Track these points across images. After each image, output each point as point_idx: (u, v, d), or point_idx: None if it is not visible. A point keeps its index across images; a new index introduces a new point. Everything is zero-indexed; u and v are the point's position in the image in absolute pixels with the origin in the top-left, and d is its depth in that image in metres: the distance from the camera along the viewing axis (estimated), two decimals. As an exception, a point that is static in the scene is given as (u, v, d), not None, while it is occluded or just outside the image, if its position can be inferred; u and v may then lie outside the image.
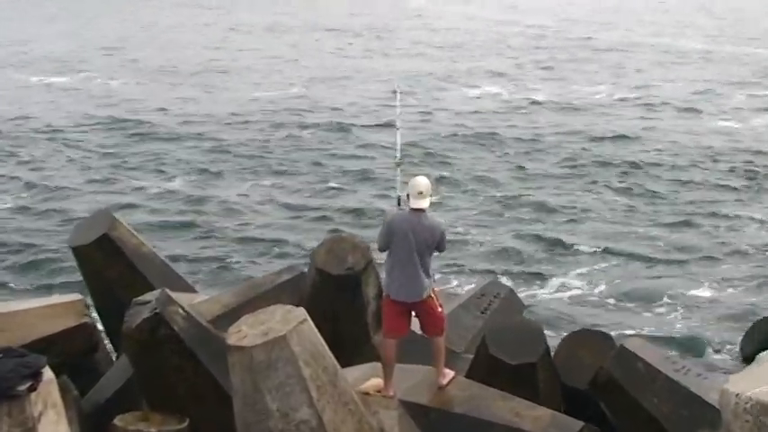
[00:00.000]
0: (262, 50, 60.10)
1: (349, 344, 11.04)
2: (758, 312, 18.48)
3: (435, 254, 9.88)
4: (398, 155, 11.47)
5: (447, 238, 9.95)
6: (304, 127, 36.17)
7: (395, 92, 12.52)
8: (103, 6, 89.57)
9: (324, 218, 25.24)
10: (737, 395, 7.55)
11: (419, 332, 10.21)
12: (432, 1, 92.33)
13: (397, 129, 12.20)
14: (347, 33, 69.46)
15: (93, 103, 42.99)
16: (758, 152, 31.43)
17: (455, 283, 20.14)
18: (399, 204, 10.02)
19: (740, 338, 16.47)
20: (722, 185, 27.87)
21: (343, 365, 9.24)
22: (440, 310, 9.89)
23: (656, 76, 48.54)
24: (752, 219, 24.57)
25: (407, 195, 9.69)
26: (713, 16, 75.50)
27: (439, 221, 9.89)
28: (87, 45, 62.64)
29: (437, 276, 19.50)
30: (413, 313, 9.92)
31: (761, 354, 8.85)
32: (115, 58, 57.08)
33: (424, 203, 9.58)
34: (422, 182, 9.66)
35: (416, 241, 9.50)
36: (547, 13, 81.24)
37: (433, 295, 9.79)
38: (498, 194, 27.22)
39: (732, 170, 29.44)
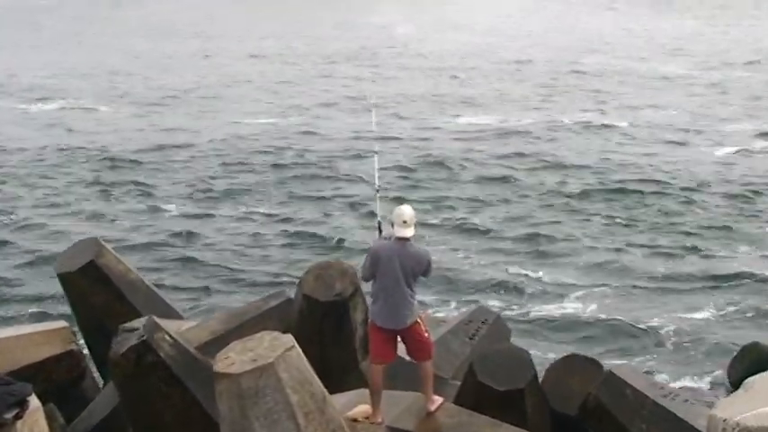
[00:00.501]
0: (246, 78, 60.13)
1: (337, 370, 11.03)
2: (744, 338, 18.52)
3: (421, 279, 9.87)
4: (377, 182, 11.48)
5: (433, 264, 9.94)
6: (289, 155, 36.13)
7: (370, 109, 12.56)
8: (92, 37, 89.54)
9: (310, 244, 25.23)
10: (725, 420, 7.56)
11: (407, 358, 10.20)
12: (418, 28, 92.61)
13: (376, 153, 12.22)
14: (333, 60, 69.60)
15: (81, 131, 42.92)
16: (747, 180, 31.35)
17: (442, 308, 20.13)
18: (380, 228, 10.03)
19: (727, 364, 16.48)
20: (711, 212, 27.86)
21: (331, 392, 9.21)
22: (426, 335, 9.88)
23: (641, 102, 48.63)
24: (740, 247, 24.56)
25: (392, 225, 9.70)
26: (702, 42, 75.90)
27: (425, 250, 9.91)
28: (72, 72, 62.64)
29: (424, 300, 19.63)
30: (398, 339, 9.91)
31: (748, 379, 8.84)
32: (100, 86, 57.07)
33: (409, 232, 9.60)
34: (406, 211, 9.68)
35: (402, 269, 9.51)
36: (534, 39, 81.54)
37: (419, 321, 9.78)
38: (485, 221, 27.22)
39: (723, 197, 29.36)
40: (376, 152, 12.76)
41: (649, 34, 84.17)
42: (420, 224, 11.05)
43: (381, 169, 13.09)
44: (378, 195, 10.89)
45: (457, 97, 51.28)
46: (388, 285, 9.53)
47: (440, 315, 18.34)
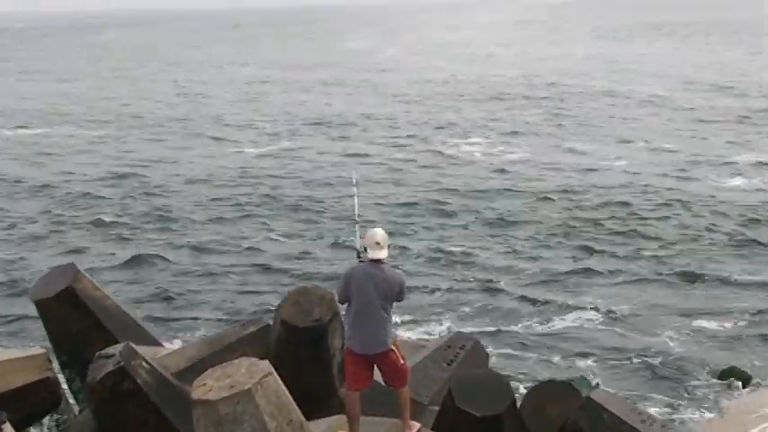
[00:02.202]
0: (231, 104, 60.24)
1: (315, 396, 10.98)
2: (722, 363, 18.66)
3: (395, 304, 9.88)
4: (357, 211, 11.50)
5: (409, 289, 9.95)
6: (269, 183, 36.19)
7: (354, 183, 12.65)
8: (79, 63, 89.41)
9: (289, 271, 25.20)
10: (702, 446, 7.59)
11: (385, 383, 10.17)
12: (403, 52, 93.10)
13: (355, 194, 12.22)
14: (318, 83, 69.83)
15: (56, 157, 42.88)
16: (745, 209, 31.38)
17: (420, 334, 20.12)
18: (359, 257, 10.05)
19: (705, 388, 16.57)
20: (691, 237, 27.98)
21: (310, 418, 9.18)
22: (402, 361, 9.86)
23: (634, 127, 48.74)
24: (728, 276, 24.60)
25: (365, 248, 9.72)
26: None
27: (398, 273, 9.92)
28: (62, 97, 62.56)
29: (402, 325, 19.61)
30: (374, 366, 9.89)
31: (725, 404, 8.88)
32: (91, 110, 57.05)
33: (382, 254, 9.64)
34: (378, 233, 9.73)
35: (376, 292, 9.52)
36: (514, 65, 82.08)
37: (394, 348, 9.76)
38: (463, 249, 27.27)
39: (707, 224, 29.49)
40: (355, 185, 12.78)
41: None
42: (397, 250, 11.07)
43: (361, 197, 13.13)
44: (358, 226, 10.91)
45: (445, 124, 51.44)
46: (363, 308, 9.53)
47: (418, 340, 18.33)
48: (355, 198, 11.75)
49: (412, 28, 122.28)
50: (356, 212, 11.49)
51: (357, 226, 10.92)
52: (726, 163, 38.86)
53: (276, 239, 28.39)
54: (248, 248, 27.48)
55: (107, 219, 31.02)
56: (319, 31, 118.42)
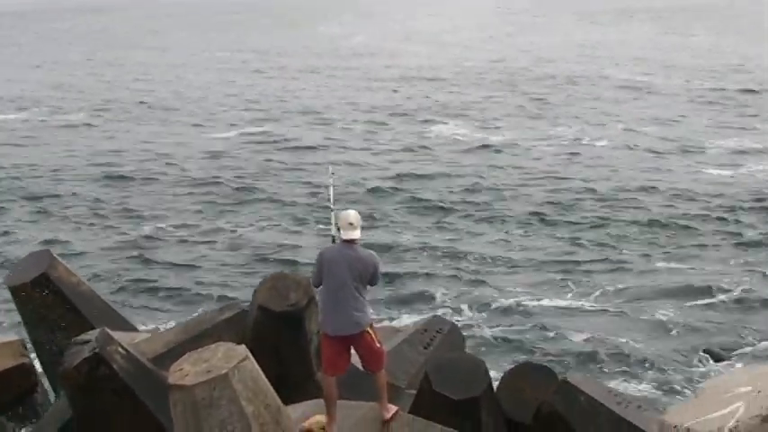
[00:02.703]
0: (205, 89, 59.92)
1: (292, 381, 11.00)
2: (700, 344, 18.81)
3: (369, 288, 9.88)
4: (332, 197, 11.50)
5: (385, 271, 9.95)
6: (245, 169, 36.05)
7: (330, 173, 12.69)
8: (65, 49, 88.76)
9: (265, 257, 25.16)
10: (675, 427, 7.62)
11: (362, 368, 10.20)
12: (372, 38, 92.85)
13: (331, 180, 12.23)
14: (292, 69, 69.56)
15: (35, 143, 42.63)
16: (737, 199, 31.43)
17: (397, 318, 20.15)
18: (334, 241, 10.05)
19: (681, 370, 16.70)
20: (670, 221, 28.10)
21: (287, 402, 9.20)
22: (378, 345, 9.87)
23: (627, 114, 48.66)
24: (705, 261, 24.78)
25: (338, 229, 9.73)
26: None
27: (371, 253, 9.90)
28: (42, 83, 62.10)
29: (379, 309, 19.63)
30: (352, 349, 9.90)
31: (700, 384, 8.96)
32: (64, 96, 56.68)
33: (355, 234, 9.63)
34: (351, 213, 9.73)
35: (350, 273, 9.51)
36: (493, 50, 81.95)
37: (370, 331, 9.76)
38: (442, 233, 27.31)
39: (686, 208, 29.57)
40: (331, 175, 12.79)
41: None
42: (373, 235, 11.05)
43: (339, 183, 13.17)
44: (333, 213, 10.91)
45: (423, 107, 51.35)
46: (336, 288, 9.52)
47: (395, 324, 18.37)
48: (331, 188, 11.76)
49: (386, 14, 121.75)
50: (332, 201, 11.50)
51: (332, 214, 10.92)
52: (706, 147, 38.95)
53: (251, 226, 28.31)
54: (223, 235, 27.38)
55: (81, 206, 30.83)
56: (292, 16, 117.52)
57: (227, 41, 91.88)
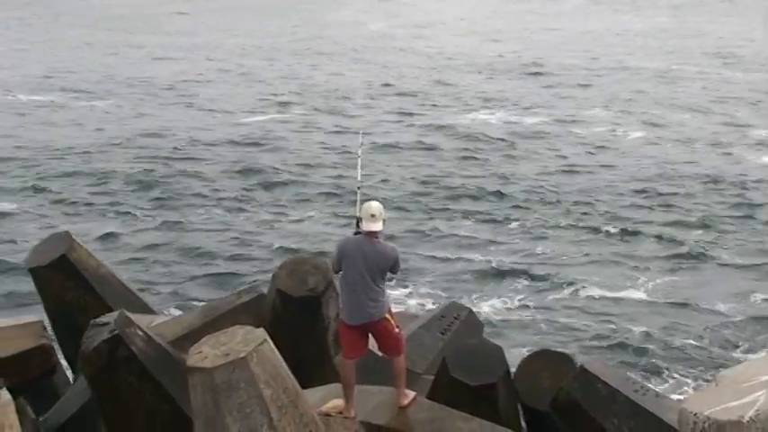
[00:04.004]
0: (230, 72, 59.78)
1: (310, 365, 11.02)
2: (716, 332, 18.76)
3: (389, 275, 9.87)
4: (359, 178, 11.50)
5: (403, 260, 9.92)
6: (267, 154, 36.00)
7: (360, 143, 12.71)
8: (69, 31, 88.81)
9: (284, 240, 25.19)
10: (695, 414, 7.59)
11: (380, 353, 10.20)
12: (389, 25, 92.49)
13: (359, 156, 12.22)
14: (318, 55, 69.42)
15: (55, 124, 42.71)
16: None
17: (415, 304, 20.16)
18: (358, 225, 10.04)
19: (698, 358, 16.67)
20: (686, 211, 28.05)
21: (304, 386, 9.20)
22: (397, 330, 9.87)
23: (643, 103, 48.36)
24: (726, 245, 24.73)
25: (360, 220, 9.72)
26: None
27: (392, 246, 9.90)
28: (51, 68, 62.07)
29: (397, 295, 19.64)
30: (369, 336, 9.90)
31: (720, 373, 8.91)
32: (70, 77, 56.71)
33: (377, 226, 9.62)
34: (374, 205, 9.72)
35: (368, 264, 9.51)
36: (512, 39, 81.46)
37: (388, 316, 9.76)
38: (465, 221, 27.26)
39: (715, 199, 29.53)
40: (360, 145, 12.80)
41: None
42: (396, 222, 11.03)
43: (364, 169, 13.15)
44: (359, 190, 10.89)
45: (445, 93, 51.16)
46: (353, 279, 9.53)
47: (413, 311, 18.39)
48: (359, 161, 11.73)
49: (397, 1, 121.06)
50: (359, 176, 11.49)
51: (359, 191, 10.90)
52: (746, 137, 38.71)
53: (272, 209, 28.34)
54: (244, 219, 27.44)
55: (103, 189, 30.89)
56: (303, 3, 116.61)
57: (248, 25, 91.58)
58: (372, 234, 9.62)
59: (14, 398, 8.54)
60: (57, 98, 50.16)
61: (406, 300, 20.43)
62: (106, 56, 68.21)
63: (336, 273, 9.93)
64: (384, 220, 9.74)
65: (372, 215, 9.60)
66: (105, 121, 43.59)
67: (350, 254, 9.59)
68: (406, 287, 21.21)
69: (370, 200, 9.92)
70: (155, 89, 53.12)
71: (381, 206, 9.79)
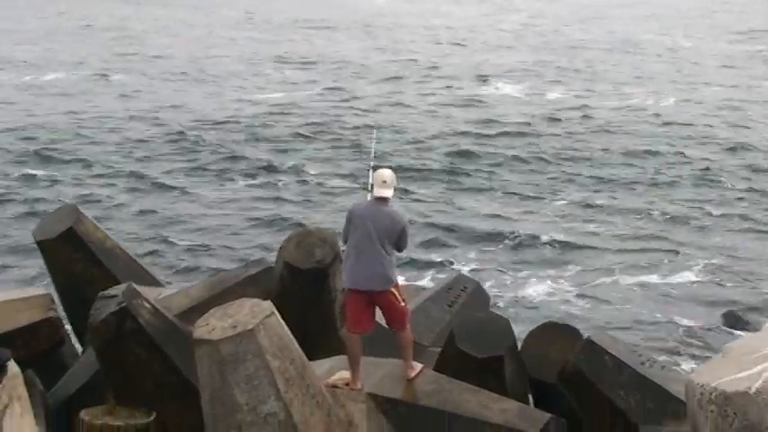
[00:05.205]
0: (241, 48, 59.52)
1: (317, 337, 11.03)
2: (723, 305, 18.74)
3: (397, 253, 9.83)
4: (374, 150, 11.49)
5: (411, 233, 9.90)
6: (282, 128, 35.88)
7: (372, 137, 12.68)
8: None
9: (292, 212, 25.20)
10: (702, 386, 7.60)
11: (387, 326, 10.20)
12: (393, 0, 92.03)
13: (373, 143, 12.19)
14: (327, 29, 69.14)
15: (62, 98, 42.68)
16: None
17: (422, 277, 20.16)
18: (371, 190, 10.01)
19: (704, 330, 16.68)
20: (699, 184, 28.00)
21: (311, 358, 9.23)
22: (402, 304, 9.85)
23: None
24: (733, 219, 24.68)
25: (371, 186, 9.72)
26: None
27: (401, 214, 9.89)
28: (84, 42, 62.03)
29: (406, 268, 19.63)
30: (377, 309, 9.89)
31: (726, 344, 8.91)
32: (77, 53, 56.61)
33: (388, 192, 9.61)
34: (386, 172, 9.73)
35: (375, 228, 9.47)
36: (524, 11, 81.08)
37: (394, 290, 9.74)
38: (468, 190, 27.27)
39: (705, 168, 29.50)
40: (376, 138, 12.78)
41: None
42: (410, 192, 10.98)
43: (383, 141, 13.17)
44: (372, 164, 10.87)
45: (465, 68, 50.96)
46: (360, 242, 9.49)
47: (420, 283, 18.41)
48: (372, 150, 11.71)
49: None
50: (373, 151, 11.47)
51: (372, 165, 10.88)
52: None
53: (279, 183, 28.34)
54: (251, 191, 27.42)
55: (113, 163, 30.89)
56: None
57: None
58: (382, 200, 9.62)
59: (23, 370, 8.58)
60: (68, 74, 50.13)
61: (412, 271, 20.40)
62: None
63: (345, 241, 9.90)
64: (395, 188, 9.75)
65: (384, 181, 9.60)
66: (118, 94, 43.55)
67: (358, 217, 9.58)
68: (413, 259, 21.17)
69: (383, 168, 9.94)
70: (169, 65, 52.97)
71: (393, 174, 9.79)
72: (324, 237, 11.81)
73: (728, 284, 20.36)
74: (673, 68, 50.71)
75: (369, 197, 9.87)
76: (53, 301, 11.77)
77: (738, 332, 17.42)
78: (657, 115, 37.89)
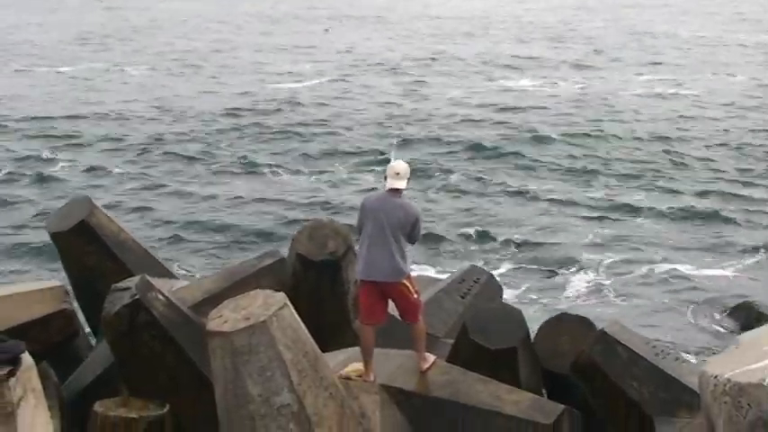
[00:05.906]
0: (262, 40, 59.45)
1: (330, 328, 11.04)
2: (738, 297, 18.67)
3: (409, 246, 9.83)
4: (395, 140, 11.54)
5: (424, 225, 9.91)
6: (297, 120, 35.87)
7: (391, 144, 12.76)
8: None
9: (305, 204, 25.18)
10: (716, 377, 7.58)
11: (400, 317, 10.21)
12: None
13: (393, 143, 12.25)
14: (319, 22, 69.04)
15: (78, 91, 42.75)
16: None
17: (434, 268, 20.14)
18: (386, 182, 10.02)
19: (718, 321, 16.60)
20: (715, 175, 27.90)
21: (324, 350, 9.23)
22: (415, 296, 9.85)
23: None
24: (746, 210, 24.58)
25: (385, 177, 9.73)
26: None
27: (414, 206, 9.90)
28: (76, 36, 62.06)
29: (418, 259, 19.62)
30: (389, 301, 9.90)
31: (740, 335, 8.89)
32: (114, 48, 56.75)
33: (401, 184, 9.62)
34: (400, 164, 9.75)
35: (388, 219, 9.48)
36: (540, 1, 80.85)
37: (407, 282, 9.74)
38: (480, 182, 27.20)
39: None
40: (395, 144, 12.81)
41: None
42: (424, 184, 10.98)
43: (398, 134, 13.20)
44: (393, 154, 10.91)
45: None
46: (373, 233, 9.52)
47: (432, 275, 18.38)
48: (393, 151, 11.72)
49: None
50: (394, 141, 11.50)
51: (393, 148, 10.92)
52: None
53: (292, 174, 28.34)
54: (264, 183, 27.43)
55: (127, 154, 30.94)
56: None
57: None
58: (395, 191, 9.62)
59: (37, 362, 8.62)
60: (88, 65, 50.20)
61: (424, 263, 20.39)
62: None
63: (359, 233, 9.91)
64: (408, 180, 9.75)
65: (397, 173, 9.61)
66: (135, 87, 43.61)
67: (371, 208, 9.61)
68: (426, 250, 21.16)
69: (397, 159, 9.96)
70: (191, 56, 52.99)
71: (408, 167, 9.80)
72: (336, 228, 11.82)
73: (743, 276, 20.27)
74: (699, 56, 50.59)
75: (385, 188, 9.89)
76: (67, 293, 11.77)
77: (752, 324, 17.37)
78: (685, 102, 37.84)
